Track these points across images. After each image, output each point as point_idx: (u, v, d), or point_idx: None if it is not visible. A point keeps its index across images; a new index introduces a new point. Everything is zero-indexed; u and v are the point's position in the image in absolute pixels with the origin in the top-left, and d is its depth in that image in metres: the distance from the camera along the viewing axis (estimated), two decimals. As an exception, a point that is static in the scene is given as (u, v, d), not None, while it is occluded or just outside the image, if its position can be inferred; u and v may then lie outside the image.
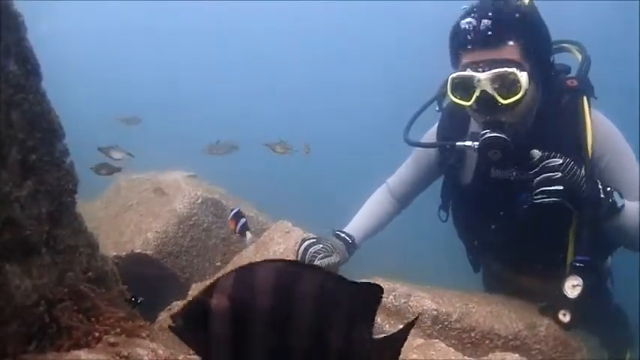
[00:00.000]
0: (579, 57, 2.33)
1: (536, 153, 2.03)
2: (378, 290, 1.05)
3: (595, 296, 2.32)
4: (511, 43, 2.00)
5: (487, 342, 2.13)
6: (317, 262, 2.25)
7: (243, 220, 2.74)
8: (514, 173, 2.23)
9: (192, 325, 1.00)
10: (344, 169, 8.28)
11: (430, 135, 2.54)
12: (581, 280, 2.10)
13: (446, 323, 2.13)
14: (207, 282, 2.78)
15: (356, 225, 2.61)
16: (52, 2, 8.86)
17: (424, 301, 2.17)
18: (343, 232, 2.52)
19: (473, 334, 2.14)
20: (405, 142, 2.46)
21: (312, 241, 2.34)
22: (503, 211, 2.33)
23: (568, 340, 2.22)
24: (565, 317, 2.15)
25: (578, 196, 2.01)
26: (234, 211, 2.79)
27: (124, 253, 2.94)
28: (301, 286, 1.00)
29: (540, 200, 2.02)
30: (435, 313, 2.13)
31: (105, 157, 3.43)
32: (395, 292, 2.22)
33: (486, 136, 2.05)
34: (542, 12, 2.13)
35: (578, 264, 2.13)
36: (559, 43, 2.39)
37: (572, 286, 2.11)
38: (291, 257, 2.45)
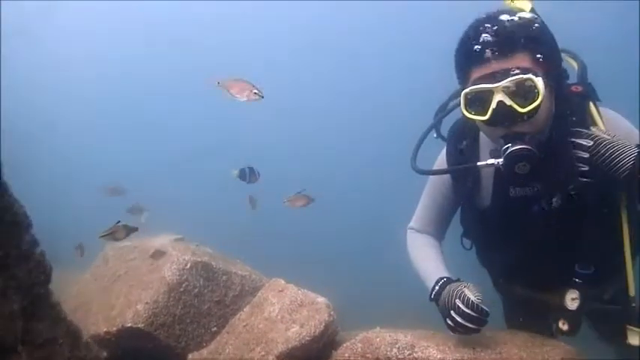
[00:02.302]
0: (574, 64, 2.28)
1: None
2: None
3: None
4: (521, 52, 1.94)
5: (500, 387, 2.03)
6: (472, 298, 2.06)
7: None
8: (535, 188, 2.14)
9: None
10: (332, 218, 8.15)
11: (440, 164, 2.43)
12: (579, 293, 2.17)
13: (454, 373, 2.03)
14: (205, 350, 2.72)
15: (437, 269, 2.38)
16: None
17: (429, 351, 2.07)
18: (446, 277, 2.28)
19: (484, 381, 2.04)
20: (415, 172, 2.32)
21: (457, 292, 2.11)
22: (526, 228, 2.23)
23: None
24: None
25: None
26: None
27: (115, 328, 2.84)
28: None
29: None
30: (442, 363, 2.03)
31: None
32: (398, 344, 2.12)
33: (510, 149, 1.94)
34: (542, 13, 2.09)
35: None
36: None
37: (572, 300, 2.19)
38: (288, 317, 2.37)
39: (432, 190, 2.50)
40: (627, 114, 2.23)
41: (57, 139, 9.77)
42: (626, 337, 2.14)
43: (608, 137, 1.95)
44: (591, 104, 2.15)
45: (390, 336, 2.18)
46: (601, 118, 2.11)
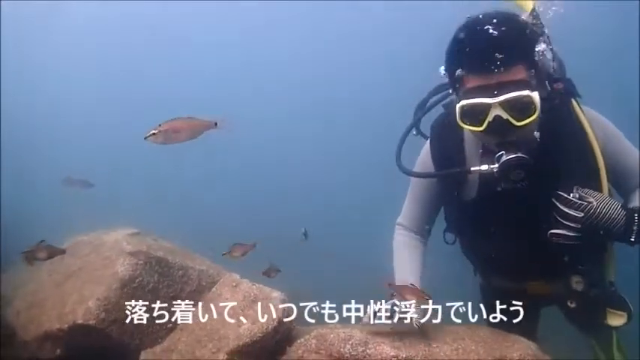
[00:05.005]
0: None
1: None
2: None
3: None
4: (518, 62, 1.89)
5: (456, 383, 1.98)
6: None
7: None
8: (523, 184, 2.09)
9: None
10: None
11: (424, 159, 2.39)
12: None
13: (408, 369, 1.97)
14: (158, 347, 2.63)
15: (404, 277, 2.38)
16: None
17: (383, 348, 2.01)
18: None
19: (439, 377, 1.99)
20: (402, 172, 2.33)
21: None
22: (512, 221, 2.21)
23: (542, 366, 2.10)
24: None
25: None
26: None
27: (67, 325, 2.74)
28: None
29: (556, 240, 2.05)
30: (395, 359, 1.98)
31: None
32: (352, 341, 2.07)
33: (505, 158, 1.97)
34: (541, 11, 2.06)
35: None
36: None
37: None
38: (240, 313, 2.30)
39: (418, 186, 2.46)
40: (627, 114, 2.23)
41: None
42: (605, 319, 2.27)
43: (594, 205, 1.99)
44: (574, 102, 2.15)
45: (344, 332, 2.12)
46: (584, 115, 2.13)
